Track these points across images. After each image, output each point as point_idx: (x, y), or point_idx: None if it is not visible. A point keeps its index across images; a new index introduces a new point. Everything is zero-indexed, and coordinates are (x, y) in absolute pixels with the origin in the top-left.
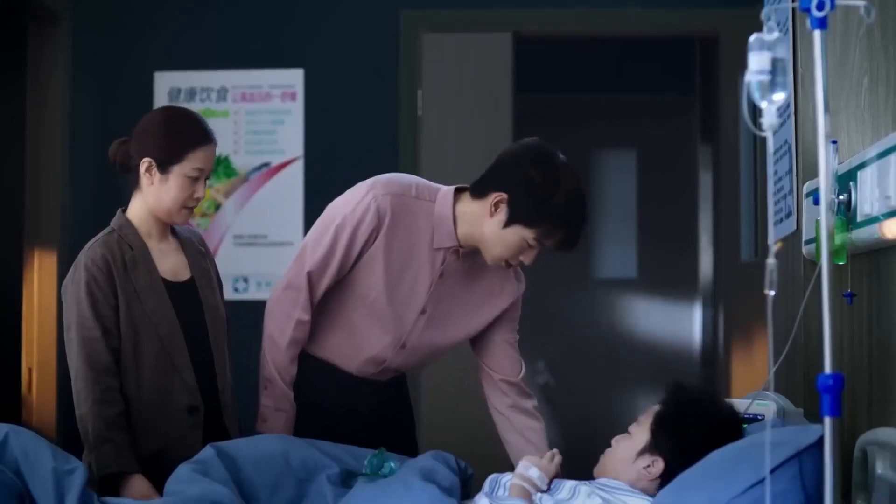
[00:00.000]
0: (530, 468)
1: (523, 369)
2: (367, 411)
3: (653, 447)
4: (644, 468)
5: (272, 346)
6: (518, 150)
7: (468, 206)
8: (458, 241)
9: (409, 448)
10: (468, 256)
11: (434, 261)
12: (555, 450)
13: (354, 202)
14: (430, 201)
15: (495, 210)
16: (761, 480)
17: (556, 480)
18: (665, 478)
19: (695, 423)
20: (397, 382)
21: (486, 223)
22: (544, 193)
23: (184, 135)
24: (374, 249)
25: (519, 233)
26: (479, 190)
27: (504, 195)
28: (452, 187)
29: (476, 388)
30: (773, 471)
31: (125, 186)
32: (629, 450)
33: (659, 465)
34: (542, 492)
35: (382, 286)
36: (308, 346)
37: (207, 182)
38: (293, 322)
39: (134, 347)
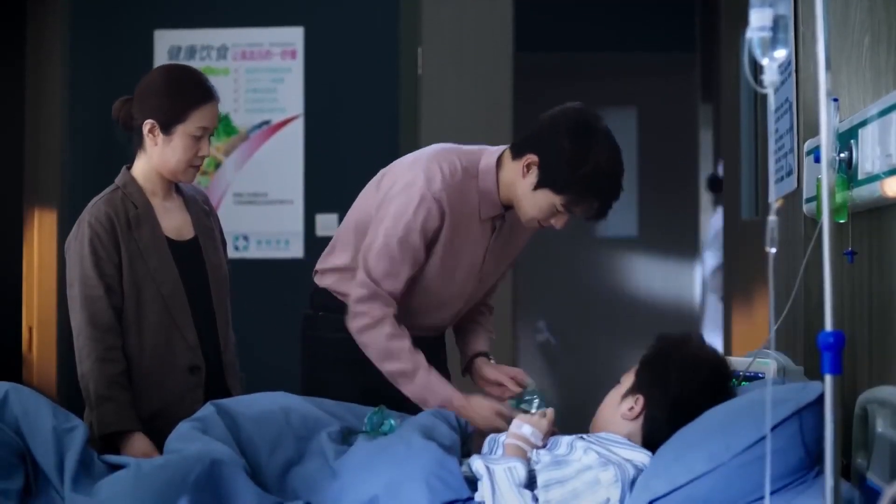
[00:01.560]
0: (522, 426)
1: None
2: None
3: (635, 388)
4: (628, 409)
5: (382, 346)
6: (558, 115)
7: (508, 166)
8: (502, 208)
9: None
10: (512, 213)
11: (485, 231)
12: (549, 408)
13: (413, 206)
14: (475, 177)
15: (527, 171)
16: (762, 439)
17: (553, 437)
18: (648, 419)
19: (674, 360)
20: (439, 341)
21: (519, 184)
22: (573, 162)
23: (185, 94)
24: (436, 247)
25: (548, 197)
26: (517, 150)
27: (535, 158)
28: (495, 156)
29: None
30: (773, 428)
31: (126, 145)
32: (615, 395)
33: (640, 403)
34: (539, 448)
35: (442, 276)
36: None
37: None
38: (388, 322)
39: (136, 306)
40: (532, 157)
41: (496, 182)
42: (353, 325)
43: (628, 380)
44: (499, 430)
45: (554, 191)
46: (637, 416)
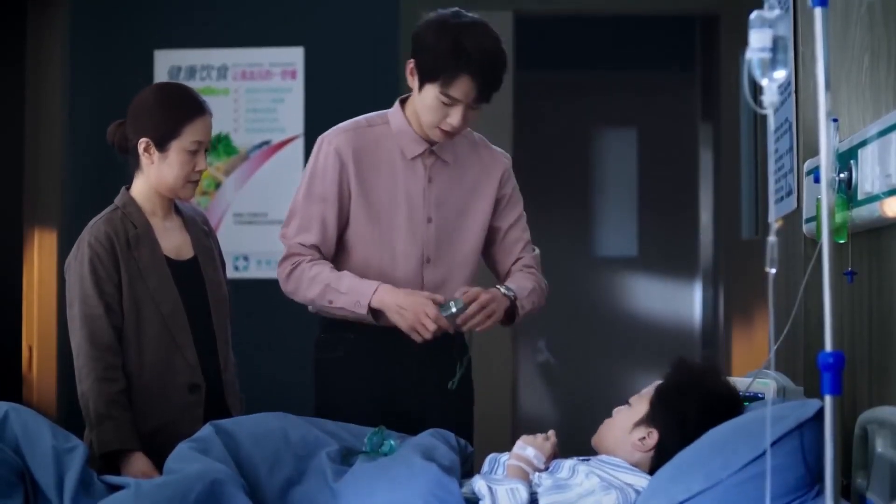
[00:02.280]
0: (526, 448)
1: (536, 250)
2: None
3: (650, 419)
4: (639, 440)
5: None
6: (427, 17)
7: (412, 98)
8: (426, 143)
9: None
10: (446, 152)
11: (415, 170)
12: (551, 431)
13: (312, 160)
14: (385, 123)
15: (412, 78)
16: (760, 455)
17: (555, 461)
18: (659, 452)
19: (693, 398)
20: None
21: (415, 96)
22: (435, 43)
23: (177, 110)
24: (354, 204)
25: (430, 92)
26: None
27: (413, 60)
28: (397, 101)
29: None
30: (772, 445)
31: (125, 165)
32: (626, 420)
33: (653, 437)
34: (541, 471)
35: (379, 222)
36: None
37: (207, 158)
38: (307, 258)
39: (136, 325)
40: (411, 63)
41: (406, 119)
42: (280, 281)
43: (641, 406)
44: (427, 323)
45: (430, 80)
46: (649, 450)
